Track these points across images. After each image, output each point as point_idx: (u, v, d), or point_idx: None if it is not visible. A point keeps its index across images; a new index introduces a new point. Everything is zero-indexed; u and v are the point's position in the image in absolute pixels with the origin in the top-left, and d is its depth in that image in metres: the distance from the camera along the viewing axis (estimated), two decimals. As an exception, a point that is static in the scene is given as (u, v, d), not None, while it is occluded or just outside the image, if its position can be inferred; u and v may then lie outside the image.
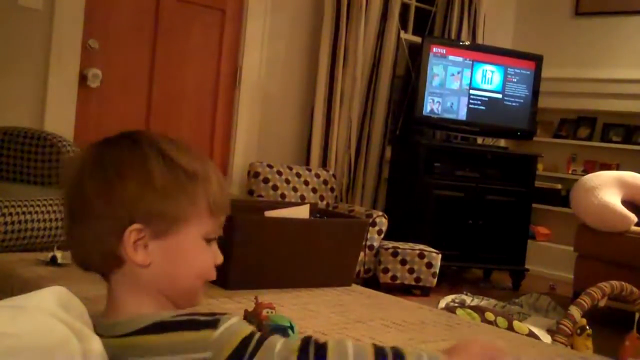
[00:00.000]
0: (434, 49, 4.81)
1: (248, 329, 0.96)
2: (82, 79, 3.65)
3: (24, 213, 2.53)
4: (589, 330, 2.63)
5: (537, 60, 5.10)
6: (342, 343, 0.95)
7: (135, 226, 1.00)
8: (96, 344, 0.90)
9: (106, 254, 1.01)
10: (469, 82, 4.92)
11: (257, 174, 4.23)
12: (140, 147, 1.05)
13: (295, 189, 4.34)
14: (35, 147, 3.07)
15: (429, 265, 4.22)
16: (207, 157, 1.11)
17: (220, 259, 1.09)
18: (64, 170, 1.05)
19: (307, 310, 1.74)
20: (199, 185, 1.05)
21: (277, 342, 0.94)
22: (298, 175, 4.40)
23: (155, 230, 1.01)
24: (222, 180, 1.10)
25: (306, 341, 0.94)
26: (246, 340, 0.93)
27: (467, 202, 4.79)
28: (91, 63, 3.68)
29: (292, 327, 1.39)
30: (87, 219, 1.01)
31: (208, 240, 1.07)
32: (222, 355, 0.92)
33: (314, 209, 2.26)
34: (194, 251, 1.05)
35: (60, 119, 3.55)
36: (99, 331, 0.99)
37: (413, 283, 4.23)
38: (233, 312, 1.59)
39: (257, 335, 0.95)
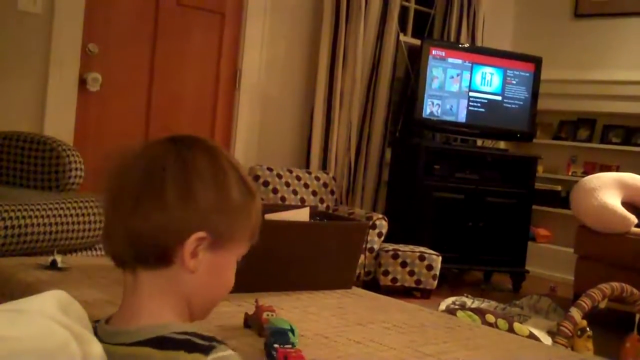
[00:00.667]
0: (433, 52, 4.82)
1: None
2: (82, 83, 3.65)
3: (24, 217, 2.53)
4: (589, 332, 2.63)
5: (537, 62, 5.10)
6: None
7: (201, 234, 1.01)
8: (96, 347, 0.90)
9: (160, 250, 1.01)
10: (468, 84, 4.93)
11: (257, 177, 4.23)
12: (219, 159, 1.05)
13: (295, 192, 4.34)
14: (35, 152, 3.07)
15: (430, 267, 4.22)
16: None
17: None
18: (120, 154, 1.01)
19: (307, 313, 1.74)
20: (254, 206, 1.08)
21: None
22: (298, 178, 4.40)
23: (213, 242, 1.02)
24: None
25: None
26: None
27: (467, 204, 4.79)
28: (91, 67, 3.69)
29: (292, 330, 1.39)
30: (154, 212, 1.00)
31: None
32: None
33: (314, 212, 2.26)
34: (230, 271, 1.08)
35: (60, 123, 3.55)
36: (101, 336, 0.99)
37: (413, 285, 4.23)
38: (233, 315, 1.60)
39: None
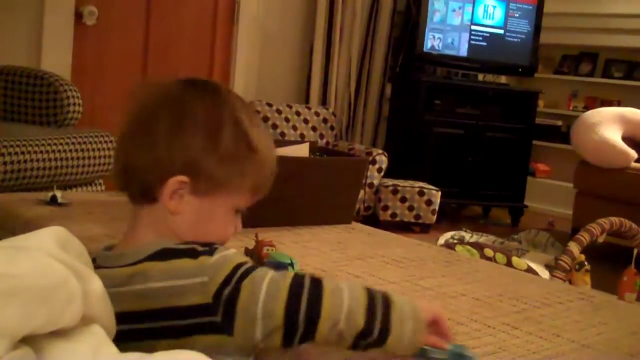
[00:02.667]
0: (435, -16, 4.73)
1: (243, 258, 1.00)
2: (78, 16, 3.60)
3: (23, 153, 2.52)
4: (587, 266, 2.65)
5: (540, -6, 5.02)
6: (336, 282, 0.97)
7: (181, 178, 1.03)
8: (96, 283, 0.90)
9: (145, 186, 1.04)
10: (470, 17, 4.86)
11: (256, 113, 4.21)
12: (221, 109, 1.07)
13: (294, 128, 4.33)
14: (33, 87, 3.04)
15: (429, 202, 4.23)
16: (271, 135, 1.15)
17: (239, 228, 1.11)
18: (136, 91, 1.05)
19: (307, 247, 1.75)
20: (255, 162, 1.08)
21: (269, 271, 0.96)
22: (297, 113, 4.38)
23: (197, 187, 1.04)
24: (275, 164, 1.12)
25: (302, 275, 0.97)
26: (238, 266, 0.96)
27: (467, 140, 4.78)
28: (87, 0, 3.63)
29: (292, 264, 1.40)
30: (143, 148, 1.04)
31: (236, 211, 1.10)
32: (216, 280, 0.95)
33: (313, 148, 2.25)
34: (222, 219, 1.08)
35: (56, 58, 3.51)
36: (105, 263, 1.03)
37: (412, 220, 4.25)
38: (234, 249, 1.61)
39: (251, 264, 0.98)
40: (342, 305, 0.94)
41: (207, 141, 1.04)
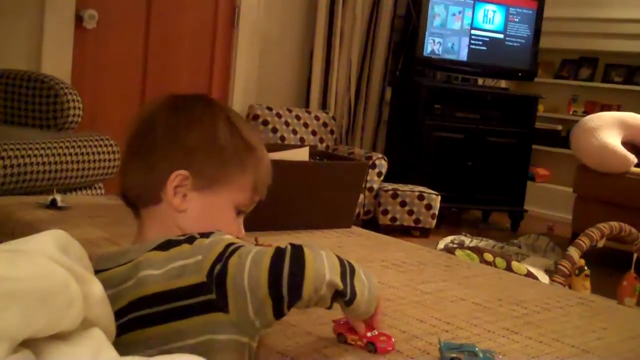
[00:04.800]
0: (435, -12, 4.74)
1: (235, 240, 1.03)
2: (78, 20, 3.60)
3: (23, 156, 2.52)
4: (587, 271, 2.65)
5: (540, -1, 5.03)
6: (316, 249, 1.02)
7: (183, 172, 1.07)
8: (96, 287, 0.90)
9: (149, 187, 1.09)
10: (470, 22, 4.86)
11: (256, 117, 4.21)
12: (212, 108, 1.13)
13: (294, 132, 4.33)
14: (33, 90, 3.04)
15: (429, 206, 4.23)
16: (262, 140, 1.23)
17: (242, 233, 1.15)
18: (139, 112, 1.13)
19: (307, 252, 1.74)
20: (252, 158, 1.14)
21: (254, 248, 0.99)
22: (297, 117, 4.38)
23: (199, 182, 1.09)
24: (270, 166, 1.19)
25: (285, 246, 1.00)
26: (229, 245, 0.99)
27: (467, 144, 4.78)
28: (87, 4, 3.63)
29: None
30: (146, 153, 1.09)
31: (238, 212, 1.14)
32: (210, 258, 0.98)
33: (313, 152, 2.26)
34: (223, 215, 1.12)
35: (57, 61, 3.52)
36: (107, 265, 1.05)
37: (412, 224, 4.25)
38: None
39: (240, 242, 1.01)
40: (324, 268, 0.99)
41: (204, 136, 1.09)
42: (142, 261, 1.01)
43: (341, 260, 1.04)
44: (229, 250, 0.98)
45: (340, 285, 1.00)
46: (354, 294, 1.02)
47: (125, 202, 1.13)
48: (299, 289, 0.96)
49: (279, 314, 0.97)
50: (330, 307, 1.03)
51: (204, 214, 1.10)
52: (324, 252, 1.02)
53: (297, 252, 0.98)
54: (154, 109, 1.13)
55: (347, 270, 1.03)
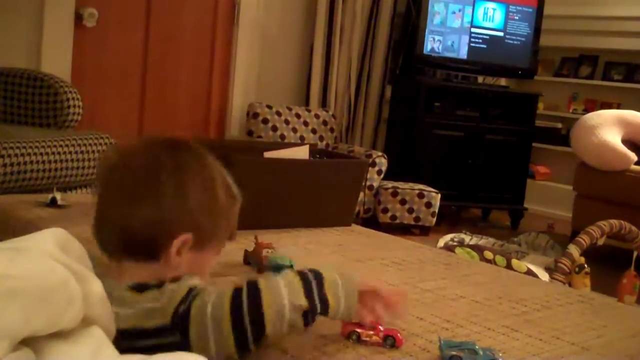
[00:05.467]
0: (435, -14, 4.74)
1: (196, 283, 1.07)
2: (78, 18, 3.60)
3: (22, 155, 2.52)
4: (587, 269, 2.66)
5: (540, -3, 5.03)
6: (272, 279, 1.05)
7: (187, 236, 1.09)
8: (96, 285, 0.90)
9: (150, 245, 1.09)
10: (470, 20, 4.86)
11: (256, 115, 4.21)
12: (210, 167, 1.16)
13: (294, 130, 4.33)
14: (33, 89, 3.04)
15: (429, 204, 4.23)
16: None
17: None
18: (118, 150, 1.14)
19: (307, 250, 1.75)
20: (235, 209, 1.19)
21: (214, 291, 1.03)
22: (297, 115, 4.38)
23: (198, 242, 1.11)
24: None
25: (239, 287, 1.03)
26: (192, 288, 1.04)
27: (467, 142, 4.78)
28: (86, 2, 3.63)
29: (292, 267, 1.40)
30: (149, 208, 1.08)
31: None
32: (173, 302, 1.03)
33: (313, 150, 2.25)
34: (209, 264, 1.18)
35: (56, 60, 3.51)
36: None
37: (412, 222, 4.25)
38: (233, 252, 1.61)
39: (201, 287, 1.06)
40: (282, 296, 1.02)
41: (208, 196, 1.12)
42: (116, 298, 1.02)
43: (304, 277, 1.06)
44: (192, 294, 1.03)
45: (305, 304, 1.03)
46: (325, 304, 1.06)
47: (105, 249, 1.12)
48: (260, 324, 1.00)
49: (242, 349, 1.01)
50: (306, 326, 1.06)
51: (191, 268, 1.12)
52: (281, 279, 1.05)
53: (253, 288, 1.02)
54: (154, 157, 1.12)
55: (311, 285, 1.06)
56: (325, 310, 1.06)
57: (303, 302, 1.03)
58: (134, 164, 1.12)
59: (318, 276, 1.08)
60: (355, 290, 1.09)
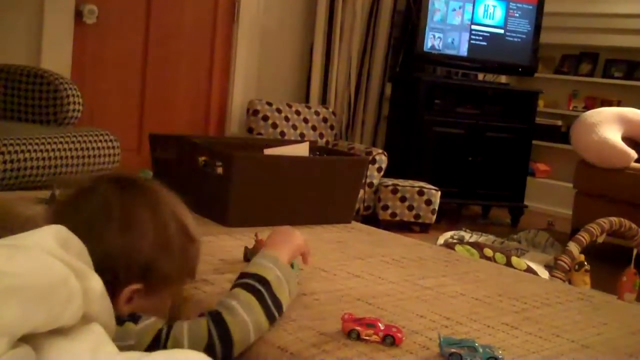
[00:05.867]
0: (435, -17, 4.73)
1: (162, 323, 1.08)
2: (78, 15, 3.60)
3: (22, 151, 2.52)
4: (587, 266, 2.66)
5: (540, -6, 5.02)
6: (227, 303, 1.10)
7: (136, 287, 1.07)
8: (96, 282, 0.90)
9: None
10: (470, 17, 4.86)
11: (256, 112, 4.21)
12: (161, 208, 1.11)
13: (294, 127, 4.33)
14: (33, 85, 3.04)
15: (428, 202, 4.23)
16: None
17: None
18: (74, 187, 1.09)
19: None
20: (194, 250, 1.16)
21: (184, 324, 1.07)
22: (297, 112, 4.37)
23: (150, 289, 1.08)
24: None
25: (206, 319, 1.08)
26: (161, 329, 1.07)
27: (467, 139, 4.77)
28: (86, -1, 3.63)
29: (292, 264, 1.40)
30: (97, 252, 1.01)
31: None
32: (143, 344, 1.04)
33: (313, 147, 2.25)
34: (166, 306, 1.16)
35: (56, 56, 3.51)
36: None
37: (412, 220, 4.25)
38: (233, 248, 1.61)
39: (166, 326, 1.08)
40: (247, 325, 1.08)
41: (158, 243, 1.08)
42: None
43: (254, 292, 1.12)
44: (163, 334, 1.06)
45: (266, 326, 1.11)
46: (281, 308, 1.15)
47: None
48: (230, 348, 1.07)
49: None
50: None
51: (146, 311, 1.09)
52: (236, 304, 1.09)
53: (220, 325, 1.06)
54: (98, 206, 1.07)
55: (264, 295, 1.12)
56: (281, 312, 1.15)
57: (266, 324, 1.11)
58: (82, 207, 1.08)
59: (265, 284, 1.14)
60: (293, 274, 1.23)
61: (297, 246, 1.32)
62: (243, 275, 1.17)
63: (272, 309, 1.13)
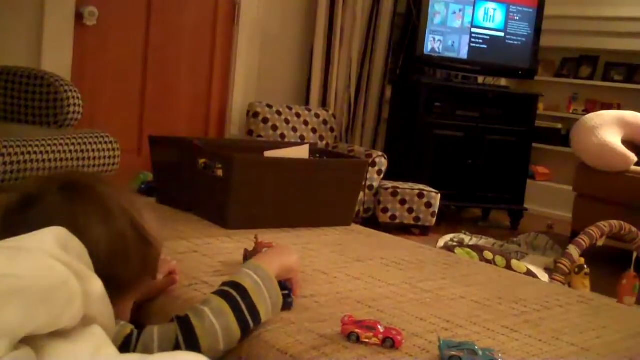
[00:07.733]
0: (436, -14, 4.74)
1: (129, 328, 1.08)
2: (78, 17, 3.60)
3: (22, 153, 2.52)
4: (586, 269, 2.66)
5: (540, -3, 5.03)
6: (197, 308, 1.09)
7: None
8: (96, 284, 0.90)
9: None
10: (470, 20, 4.86)
11: (256, 114, 4.21)
12: (117, 216, 1.06)
13: (294, 129, 4.33)
14: (33, 87, 3.04)
15: (428, 204, 4.23)
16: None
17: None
18: (17, 191, 0.98)
19: (307, 249, 1.75)
20: (154, 253, 1.13)
21: (154, 328, 1.08)
22: (298, 115, 4.38)
23: (110, 296, 0.99)
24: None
25: (175, 324, 1.08)
26: (130, 334, 1.07)
27: (467, 142, 4.78)
28: (87, 0, 3.63)
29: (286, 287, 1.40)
30: None
31: None
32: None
33: (313, 149, 2.26)
34: (130, 305, 1.15)
35: (57, 58, 3.51)
36: None
37: (412, 222, 4.25)
38: (233, 251, 1.61)
39: (134, 331, 1.08)
40: (215, 330, 1.07)
41: (113, 254, 1.04)
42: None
43: (229, 299, 1.10)
44: (133, 340, 1.06)
45: (238, 335, 1.10)
46: (257, 317, 1.12)
47: None
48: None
49: None
50: (244, 338, 1.12)
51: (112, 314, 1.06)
52: (208, 310, 1.08)
53: (190, 333, 1.06)
54: (48, 214, 1.00)
55: (240, 304, 1.11)
56: (259, 321, 1.13)
57: (239, 332, 1.10)
58: (30, 219, 0.99)
59: (242, 291, 1.12)
60: (275, 284, 1.17)
61: (289, 266, 1.28)
62: (222, 283, 1.16)
63: (246, 315, 1.11)
